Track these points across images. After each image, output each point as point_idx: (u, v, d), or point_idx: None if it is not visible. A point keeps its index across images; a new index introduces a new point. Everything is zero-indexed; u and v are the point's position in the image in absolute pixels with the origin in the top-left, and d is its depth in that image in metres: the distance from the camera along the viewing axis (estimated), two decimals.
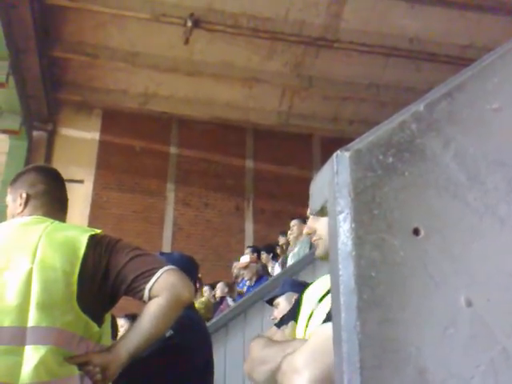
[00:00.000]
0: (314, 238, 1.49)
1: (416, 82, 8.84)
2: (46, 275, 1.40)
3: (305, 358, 1.19)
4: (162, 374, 2.08)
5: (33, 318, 1.37)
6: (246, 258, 6.32)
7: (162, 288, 1.45)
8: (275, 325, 1.54)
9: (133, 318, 2.46)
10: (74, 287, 1.42)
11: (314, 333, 1.26)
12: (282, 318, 1.55)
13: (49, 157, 9.91)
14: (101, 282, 1.47)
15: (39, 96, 9.25)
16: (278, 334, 1.46)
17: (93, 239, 1.50)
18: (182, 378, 2.12)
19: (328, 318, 1.24)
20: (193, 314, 2.36)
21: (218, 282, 7.09)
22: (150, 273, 1.47)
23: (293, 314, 1.52)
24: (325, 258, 1.45)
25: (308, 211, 1.56)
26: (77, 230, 1.54)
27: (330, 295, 1.39)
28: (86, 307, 1.43)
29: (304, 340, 1.31)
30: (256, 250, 7.12)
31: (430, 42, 8.81)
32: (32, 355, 1.33)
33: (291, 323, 1.46)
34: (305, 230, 1.55)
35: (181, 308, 1.49)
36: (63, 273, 1.42)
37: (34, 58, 8.29)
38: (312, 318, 1.41)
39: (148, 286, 1.45)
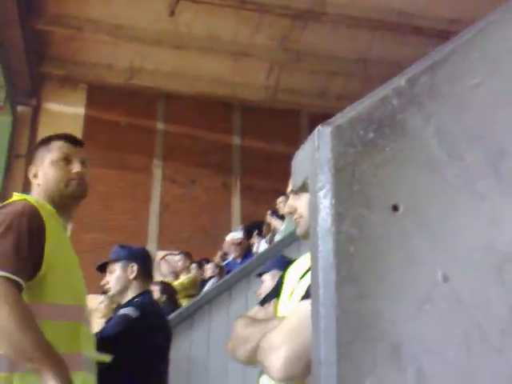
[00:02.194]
0: (295, 217, 1.49)
1: (404, 56, 8.79)
2: None
3: (282, 335, 1.20)
4: (130, 351, 2.22)
5: None
6: (239, 234, 6.32)
7: None
8: (259, 303, 1.55)
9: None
10: None
11: (292, 310, 1.28)
12: (265, 297, 1.57)
13: (34, 132, 9.77)
14: None
15: (23, 70, 9.07)
16: (261, 312, 1.48)
17: None
18: (147, 356, 2.30)
19: (306, 295, 1.25)
20: (152, 299, 2.69)
21: (205, 259, 7.10)
22: None
23: (275, 292, 1.54)
24: (306, 236, 1.45)
25: (288, 188, 1.57)
26: None
27: (308, 274, 1.41)
28: None
29: (283, 318, 1.32)
30: (248, 230, 7.13)
31: (417, 16, 8.75)
32: None
33: (273, 301, 1.48)
34: (285, 209, 1.56)
35: None
36: None
37: (16, 31, 8.10)
38: (292, 295, 1.42)
39: None
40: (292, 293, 1.44)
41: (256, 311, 1.51)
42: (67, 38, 9.33)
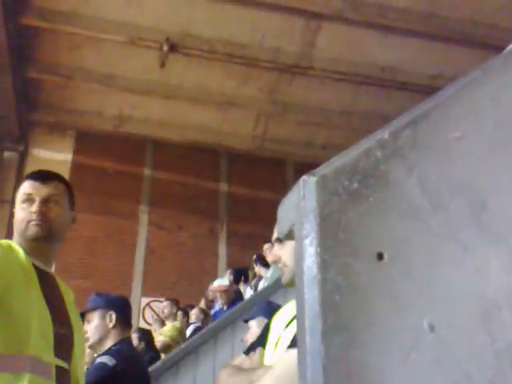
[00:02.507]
0: (280, 266, 1.51)
1: (387, 109, 9.04)
2: None
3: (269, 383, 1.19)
4: None
5: None
6: (225, 281, 6.27)
7: None
8: (244, 352, 1.54)
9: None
10: None
11: (278, 359, 1.27)
12: (250, 345, 1.55)
13: (20, 178, 9.73)
14: None
15: (11, 116, 9.15)
16: (246, 361, 1.46)
17: None
18: None
19: (292, 344, 1.26)
20: (131, 347, 2.65)
21: (190, 305, 6.99)
22: None
23: (261, 341, 1.53)
24: (291, 284, 1.46)
25: (273, 236, 1.59)
26: None
27: (294, 322, 1.40)
28: None
29: (269, 367, 1.31)
30: (237, 273, 7.06)
31: (401, 71, 9.05)
32: None
33: (259, 350, 1.47)
34: (270, 258, 1.57)
35: None
36: None
37: (7, 78, 8.22)
38: (279, 343, 1.41)
39: None
40: (278, 341, 1.43)
41: (241, 360, 1.50)
42: (58, 86, 9.47)
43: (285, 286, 1.51)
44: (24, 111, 9.52)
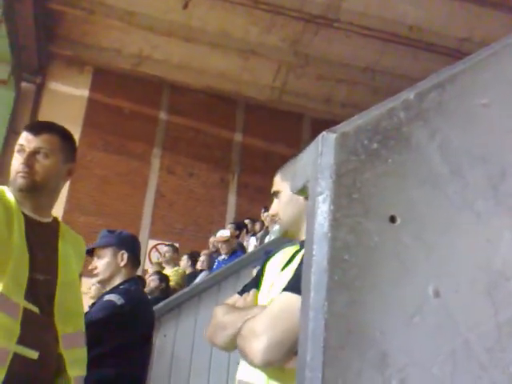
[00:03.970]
0: (276, 219, 1.60)
1: (412, 70, 8.82)
2: None
3: (264, 323, 1.25)
4: (111, 336, 2.25)
5: None
6: (226, 233, 6.35)
7: None
8: (238, 292, 1.58)
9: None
10: None
11: (274, 300, 1.31)
12: (244, 287, 1.60)
13: (35, 110, 9.75)
14: None
15: (31, 47, 9.05)
16: (240, 300, 1.50)
17: None
18: (127, 342, 2.31)
19: (288, 287, 1.31)
20: (140, 288, 2.68)
21: (196, 252, 7.11)
22: None
23: (255, 282, 1.57)
24: (285, 235, 1.59)
25: (272, 189, 1.63)
26: None
27: (291, 265, 1.45)
28: None
29: (263, 306, 1.36)
30: (238, 227, 7.14)
31: (429, 32, 8.77)
32: None
33: (253, 291, 1.51)
34: (270, 212, 1.64)
35: None
36: None
37: (28, 7, 8.09)
38: (273, 286, 1.46)
39: None
40: (272, 284, 1.46)
41: (235, 300, 1.54)
42: (78, 20, 9.31)
43: (275, 235, 1.61)
44: (43, 42, 9.41)
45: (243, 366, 1.41)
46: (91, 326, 2.17)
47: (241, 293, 1.56)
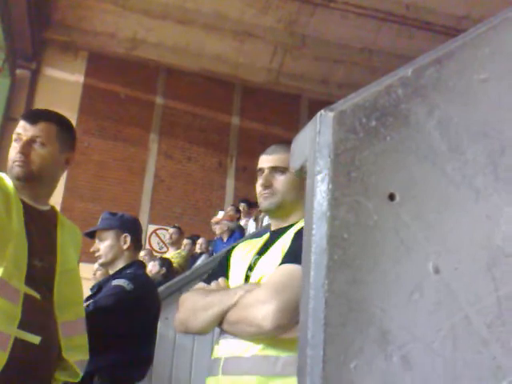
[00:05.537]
0: (269, 191, 1.56)
1: (409, 50, 8.76)
2: None
3: (268, 291, 1.27)
4: (121, 321, 2.26)
5: None
6: (220, 214, 6.40)
7: None
8: (203, 281, 1.56)
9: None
10: None
11: (274, 271, 1.33)
12: (209, 275, 1.58)
13: (31, 96, 9.69)
14: None
15: (25, 33, 8.96)
16: (211, 286, 1.49)
17: None
18: (136, 327, 2.31)
19: (285, 260, 1.34)
20: (144, 271, 2.66)
21: (196, 235, 7.13)
22: None
23: (222, 271, 1.56)
24: (271, 210, 1.56)
25: (258, 165, 1.63)
26: None
27: (274, 246, 1.46)
28: None
29: (255, 283, 1.37)
30: (238, 210, 7.15)
31: (427, 10, 8.69)
32: None
33: (222, 279, 1.51)
34: (262, 181, 1.58)
35: None
36: None
37: None
38: (255, 269, 1.46)
39: None
40: (252, 267, 1.48)
41: (202, 287, 1.53)
42: (72, 4, 9.21)
43: (264, 210, 1.59)
44: (37, 28, 9.31)
45: (225, 343, 1.40)
46: (101, 311, 2.18)
47: (207, 281, 1.54)
